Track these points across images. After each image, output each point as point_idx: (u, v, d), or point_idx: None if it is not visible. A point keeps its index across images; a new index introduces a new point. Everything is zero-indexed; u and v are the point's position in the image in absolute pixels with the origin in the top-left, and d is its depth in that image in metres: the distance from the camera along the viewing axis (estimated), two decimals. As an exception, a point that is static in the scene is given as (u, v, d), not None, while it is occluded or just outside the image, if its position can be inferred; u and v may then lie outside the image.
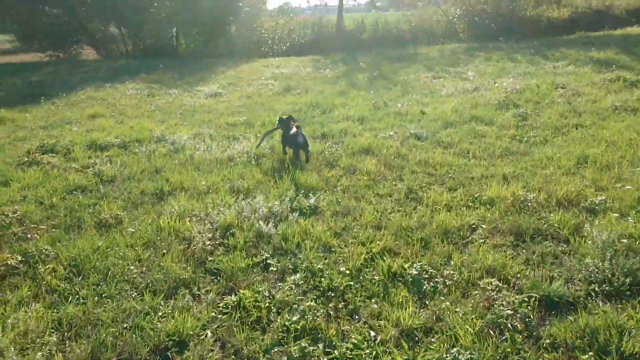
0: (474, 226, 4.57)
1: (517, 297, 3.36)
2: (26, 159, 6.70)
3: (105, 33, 29.52)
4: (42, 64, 21.34)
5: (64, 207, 5.19)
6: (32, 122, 9.67)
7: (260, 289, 3.58)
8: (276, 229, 4.61)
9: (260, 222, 4.67)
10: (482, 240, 4.26)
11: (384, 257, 3.96)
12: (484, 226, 4.51)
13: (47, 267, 3.93)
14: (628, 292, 3.36)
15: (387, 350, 2.97)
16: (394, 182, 5.80)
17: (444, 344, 2.98)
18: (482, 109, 9.14)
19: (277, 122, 7.03)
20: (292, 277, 3.77)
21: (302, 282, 3.72)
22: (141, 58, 26.10)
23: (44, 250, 4.14)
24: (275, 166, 6.49)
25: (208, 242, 4.35)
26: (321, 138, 8.09)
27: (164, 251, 4.21)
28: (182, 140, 7.81)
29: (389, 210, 5.00)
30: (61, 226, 4.77)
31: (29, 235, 4.54)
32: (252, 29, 29.81)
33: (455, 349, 2.89)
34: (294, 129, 6.48)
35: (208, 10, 27.21)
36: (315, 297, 3.55)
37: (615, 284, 3.42)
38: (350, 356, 2.92)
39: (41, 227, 4.72)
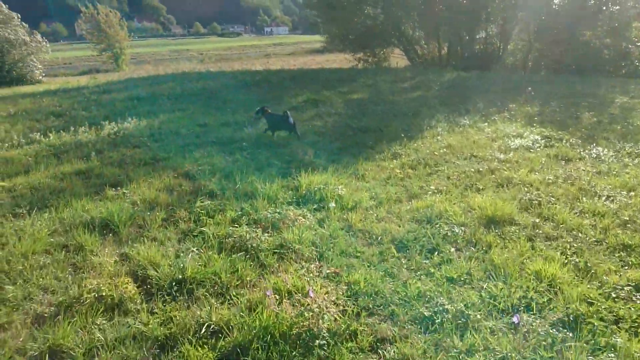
0: None
1: None
2: None
3: (419, 35, 25.51)
4: (355, 72, 17.94)
5: None
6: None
7: None
8: None
9: None
10: None
11: None
12: None
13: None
14: None
15: None
16: None
17: None
18: None
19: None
20: None
21: None
22: (462, 68, 20.80)
23: None
24: None
25: None
26: None
27: None
28: None
29: None
30: None
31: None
32: (621, 37, 20.49)
33: None
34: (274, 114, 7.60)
35: (558, 13, 19.67)
36: None
37: None
38: None
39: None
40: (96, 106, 10.82)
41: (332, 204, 4.73)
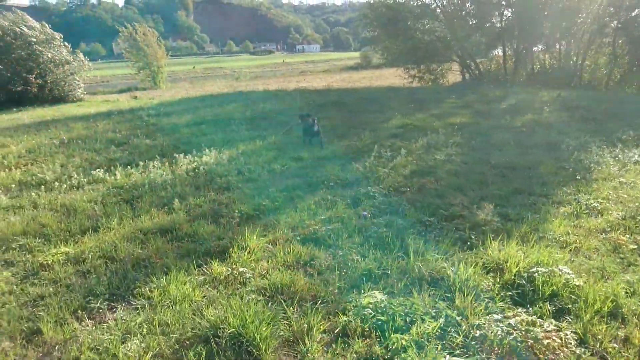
0: None
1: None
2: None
3: (483, 49, 23.65)
4: (429, 91, 16.18)
5: None
6: None
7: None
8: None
9: None
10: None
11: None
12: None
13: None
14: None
15: None
16: None
17: None
18: None
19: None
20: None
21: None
22: (531, 85, 18.78)
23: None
24: None
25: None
26: None
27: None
28: None
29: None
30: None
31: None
32: None
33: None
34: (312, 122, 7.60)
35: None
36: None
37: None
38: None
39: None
40: (159, 132, 9.33)
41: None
